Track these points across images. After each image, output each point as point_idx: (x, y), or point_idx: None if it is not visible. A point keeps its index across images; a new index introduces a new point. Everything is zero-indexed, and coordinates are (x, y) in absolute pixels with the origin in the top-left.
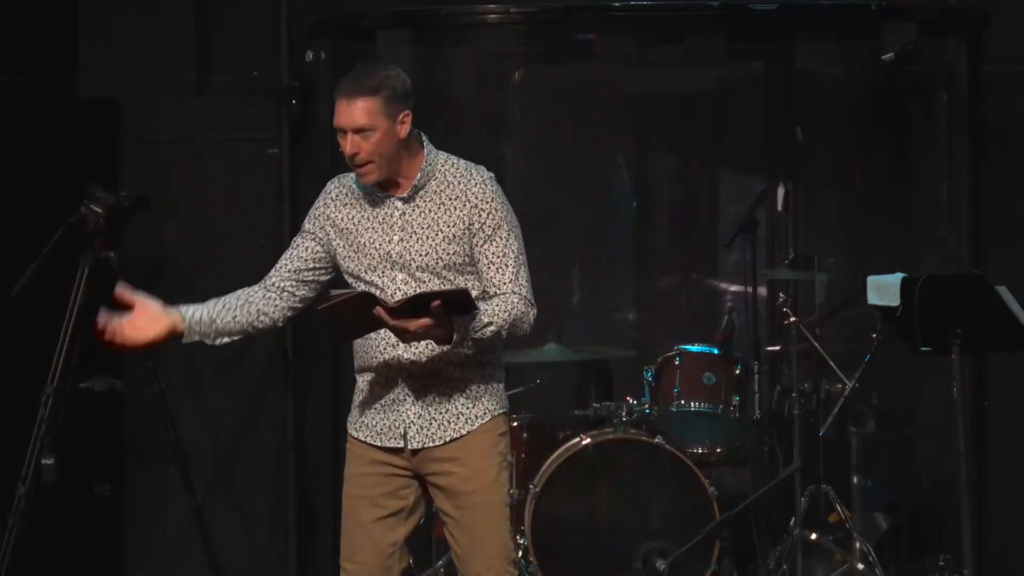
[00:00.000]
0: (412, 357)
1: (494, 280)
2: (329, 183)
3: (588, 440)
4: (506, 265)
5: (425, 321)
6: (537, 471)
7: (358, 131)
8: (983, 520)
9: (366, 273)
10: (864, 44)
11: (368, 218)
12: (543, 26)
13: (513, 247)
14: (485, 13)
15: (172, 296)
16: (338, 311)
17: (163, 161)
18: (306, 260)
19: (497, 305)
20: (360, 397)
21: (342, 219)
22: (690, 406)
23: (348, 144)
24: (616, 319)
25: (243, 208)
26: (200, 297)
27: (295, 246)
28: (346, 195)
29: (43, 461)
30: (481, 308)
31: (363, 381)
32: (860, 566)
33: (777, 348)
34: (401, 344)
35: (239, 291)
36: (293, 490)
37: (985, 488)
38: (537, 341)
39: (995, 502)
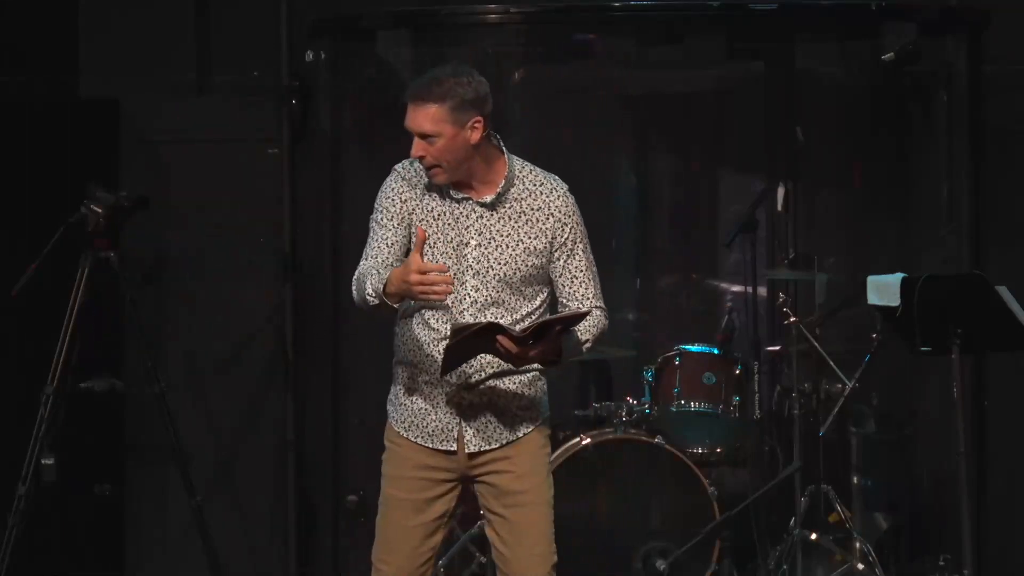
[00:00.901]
0: (472, 363)
1: (577, 295)
2: (399, 168)
3: (588, 440)
4: (588, 279)
5: (542, 348)
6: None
7: (423, 136)
8: (983, 520)
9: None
10: (864, 44)
11: (444, 215)
12: (543, 26)
13: (590, 259)
14: (485, 13)
15: (172, 296)
16: (459, 345)
17: (163, 161)
18: (391, 250)
19: (590, 323)
20: (409, 396)
21: (421, 208)
22: (690, 406)
23: (416, 147)
24: (616, 319)
25: (243, 208)
26: (200, 297)
27: (385, 227)
28: (422, 185)
29: (43, 461)
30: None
31: (412, 380)
32: (860, 566)
33: (777, 348)
34: None
35: (359, 273)
36: (293, 490)
37: (985, 488)
38: None
39: (995, 502)
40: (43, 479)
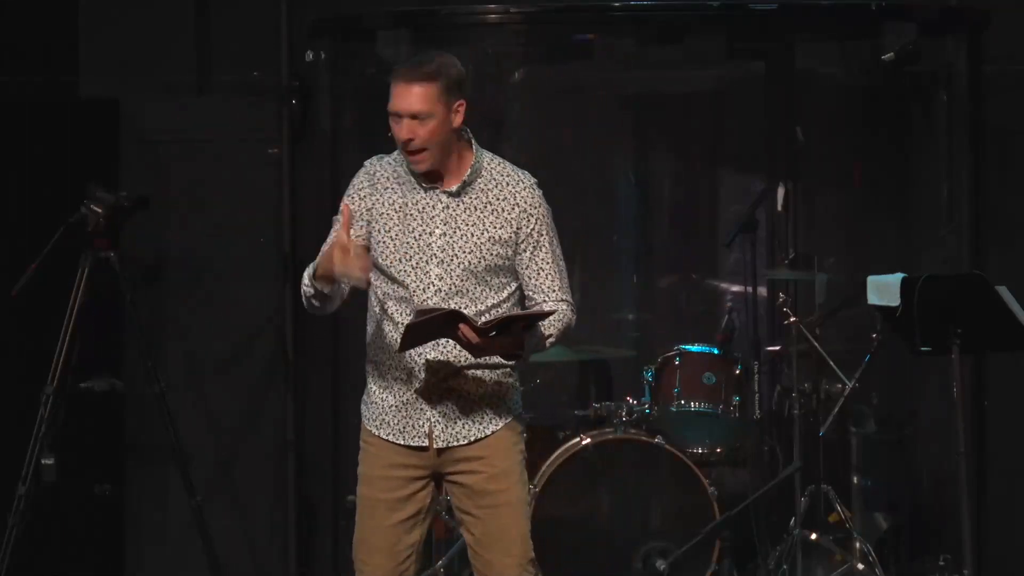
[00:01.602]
0: (439, 356)
1: (542, 287)
2: (368, 163)
3: (588, 440)
4: (554, 273)
5: (503, 342)
6: (537, 471)
7: (414, 116)
8: (983, 520)
9: (398, 263)
10: (864, 44)
11: (408, 206)
12: (543, 26)
13: (557, 253)
14: (485, 13)
15: (172, 296)
16: (420, 326)
17: (163, 161)
18: (360, 238)
19: (555, 318)
20: (379, 394)
21: (382, 203)
22: (690, 406)
23: (404, 129)
24: (616, 319)
25: (243, 208)
26: (200, 297)
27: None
28: (387, 179)
29: (43, 461)
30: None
31: (382, 379)
32: (860, 566)
33: (777, 348)
34: (428, 344)
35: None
36: (293, 490)
37: (985, 488)
38: None
39: (995, 502)
40: (43, 479)
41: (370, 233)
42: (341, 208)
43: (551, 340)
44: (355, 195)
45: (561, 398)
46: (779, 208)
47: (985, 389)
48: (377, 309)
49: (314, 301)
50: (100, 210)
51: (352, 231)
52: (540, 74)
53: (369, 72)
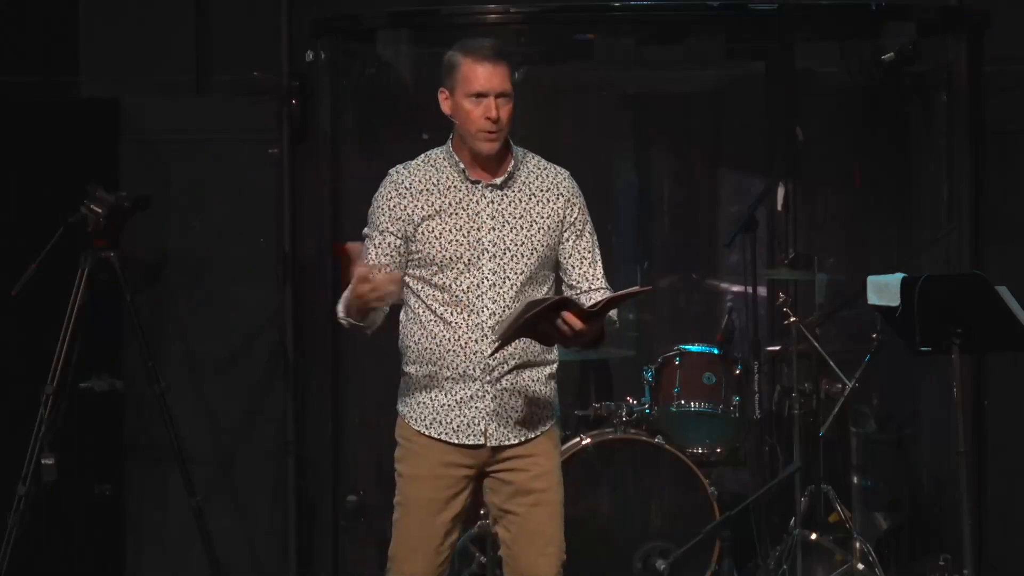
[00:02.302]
0: (495, 356)
1: (587, 275)
2: (393, 172)
3: (588, 440)
4: (596, 260)
5: (592, 328)
6: None
7: (500, 95)
8: (983, 520)
9: (449, 261)
10: (864, 44)
11: (451, 205)
12: (543, 26)
13: (594, 242)
14: (485, 13)
15: (172, 296)
16: (527, 322)
17: (163, 161)
18: (390, 255)
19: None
20: (429, 394)
21: (420, 208)
22: (690, 406)
23: (493, 107)
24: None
25: (243, 208)
26: (200, 297)
27: (376, 244)
28: (417, 184)
29: (43, 461)
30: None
31: (431, 379)
32: (860, 566)
33: (777, 348)
34: (482, 342)
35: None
36: (293, 490)
37: (985, 488)
38: None
39: (995, 502)
40: (43, 479)
41: (409, 241)
42: (346, 248)
43: (615, 327)
44: (384, 207)
45: (561, 398)
46: (779, 208)
47: (985, 389)
48: (420, 311)
49: (355, 330)
50: (100, 210)
51: (385, 248)
52: (540, 74)
53: (369, 72)
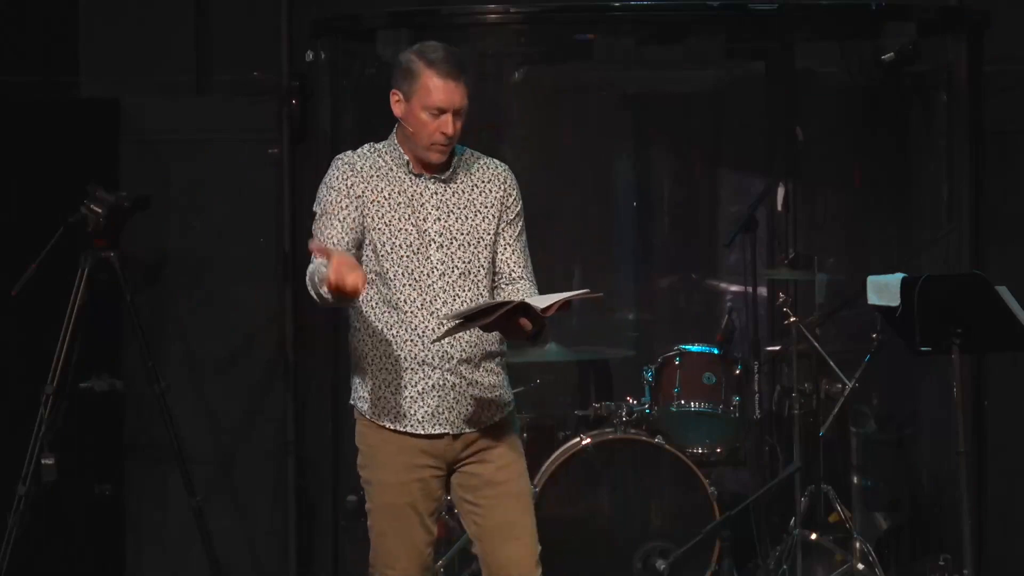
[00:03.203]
0: (451, 344)
1: (510, 262)
2: (342, 157)
3: (588, 440)
4: (519, 251)
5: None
6: (537, 471)
7: (457, 112)
8: (983, 520)
9: (399, 249)
10: (864, 44)
11: (397, 194)
12: (543, 26)
13: (524, 236)
14: (485, 13)
15: (172, 296)
16: (476, 317)
17: (163, 161)
18: (354, 229)
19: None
20: (388, 389)
21: (371, 192)
22: (690, 406)
23: (450, 125)
24: (616, 319)
25: (243, 208)
26: (200, 297)
27: (339, 216)
28: (368, 168)
29: (43, 461)
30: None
31: (390, 372)
32: (860, 566)
33: (777, 348)
34: (440, 330)
35: (313, 270)
36: (293, 490)
37: (985, 488)
38: None
39: (995, 502)
40: (43, 479)
41: (363, 221)
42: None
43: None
44: (340, 187)
45: (561, 398)
46: (779, 208)
47: (985, 389)
48: (374, 303)
49: (328, 304)
50: (100, 210)
51: (344, 224)
52: (540, 74)
53: (369, 72)
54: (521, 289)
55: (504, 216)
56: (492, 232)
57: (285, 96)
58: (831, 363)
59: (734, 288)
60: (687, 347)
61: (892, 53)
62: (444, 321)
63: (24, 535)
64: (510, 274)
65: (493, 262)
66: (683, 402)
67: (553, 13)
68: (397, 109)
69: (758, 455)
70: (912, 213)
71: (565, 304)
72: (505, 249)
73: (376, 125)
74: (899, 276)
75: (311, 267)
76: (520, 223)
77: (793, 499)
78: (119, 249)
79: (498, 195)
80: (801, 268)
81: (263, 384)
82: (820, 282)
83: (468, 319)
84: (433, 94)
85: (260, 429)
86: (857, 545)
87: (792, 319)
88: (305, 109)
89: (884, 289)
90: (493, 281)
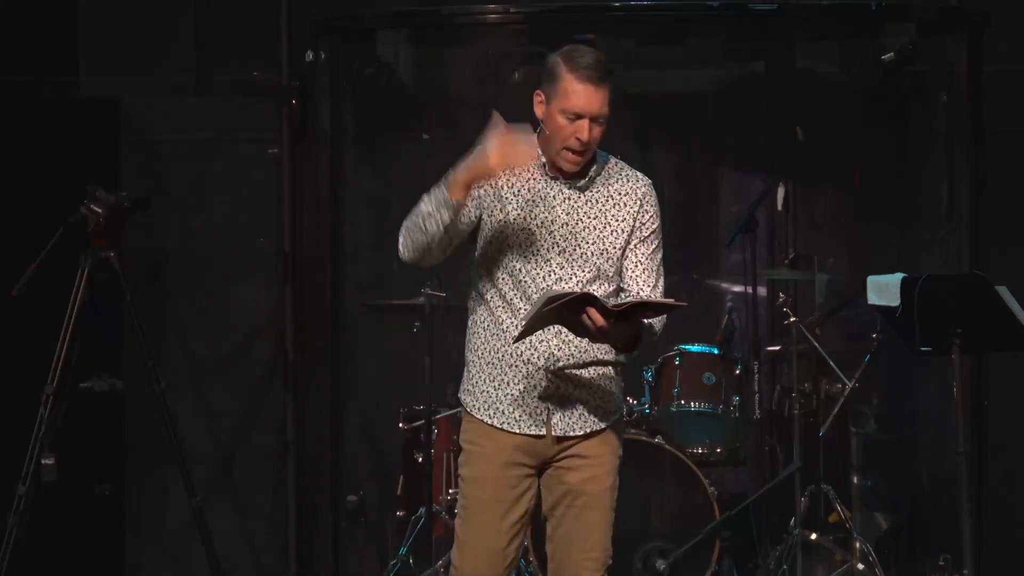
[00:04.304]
0: (559, 346)
1: (638, 280)
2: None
3: None
4: (651, 270)
5: (623, 329)
6: None
7: (595, 118)
8: (983, 520)
9: (516, 250)
10: (864, 44)
11: (530, 192)
12: (543, 26)
13: (658, 256)
14: (485, 13)
15: (172, 296)
16: (549, 313)
17: (163, 161)
18: (472, 210)
19: (659, 318)
20: (490, 384)
21: (502, 185)
22: (690, 406)
23: (586, 130)
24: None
25: (243, 208)
26: (200, 297)
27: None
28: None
29: (43, 461)
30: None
31: (496, 368)
32: (860, 566)
33: (777, 348)
34: (547, 333)
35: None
36: (293, 490)
37: (985, 488)
38: None
39: (995, 502)
40: (43, 479)
41: (481, 217)
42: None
43: (655, 338)
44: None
45: None
46: (779, 208)
47: (985, 389)
48: (488, 297)
49: (431, 229)
50: (100, 210)
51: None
52: (540, 74)
53: (369, 72)
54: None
55: (637, 232)
56: (620, 246)
57: (285, 96)
58: (831, 363)
59: (734, 288)
60: (687, 347)
61: (892, 53)
62: (522, 320)
63: (24, 535)
64: (637, 293)
65: (621, 277)
66: (683, 402)
67: (553, 13)
68: (539, 110)
69: (758, 455)
70: (912, 213)
71: (644, 306)
72: (636, 267)
73: (376, 125)
74: (899, 276)
75: (415, 211)
76: (655, 241)
77: (793, 499)
78: (119, 249)
79: (633, 210)
80: (801, 268)
81: (263, 384)
82: (820, 282)
83: (536, 317)
84: (571, 99)
85: (260, 429)
86: (857, 545)
87: (792, 319)
88: (305, 109)
89: (884, 289)
90: (619, 297)
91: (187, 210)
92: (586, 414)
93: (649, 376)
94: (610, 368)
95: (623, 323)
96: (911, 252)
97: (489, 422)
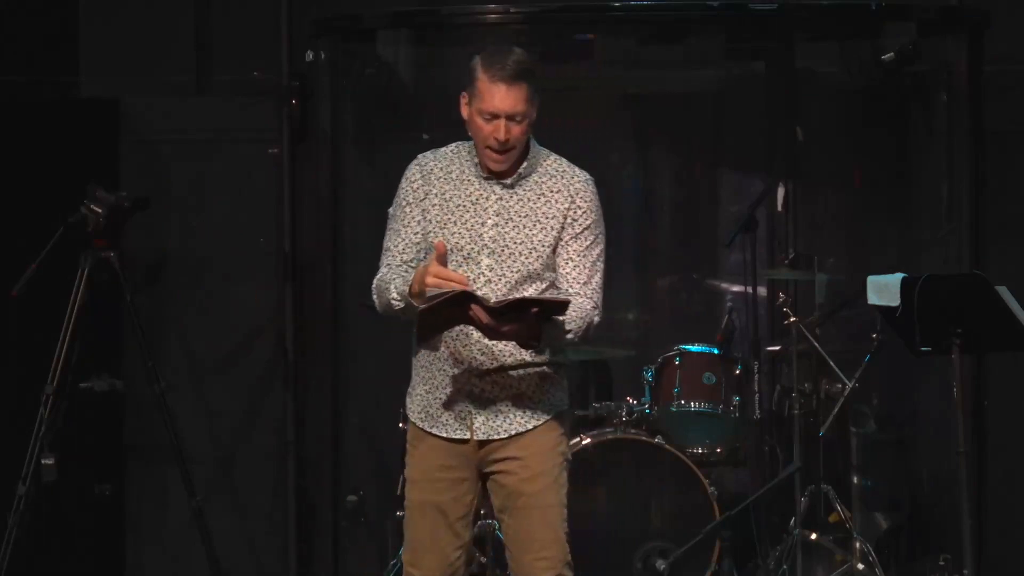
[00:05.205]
0: (484, 350)
1: (568, 277)
2: (420, 157)
3: (588, 440)
4: (583, 266)
5: (516, 326)
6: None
7: (511, 117)
8: (983, 520)
9: (450, 255)
10: (864, 44)
11: (460, 198)
12: (543, 26)
13: (594, 252)
14: (485, 13)
15: (172, 296)
16: (433, 311)
17: (163, 161)
18: (418, 232)
19: (574, 311)
20: (423, 388)
21: (434, 195)
22: (690, 406)
23: (501, 130)
24: (616, 319)
25: (243, 208)
26: (200, 297)
27: (405, 224)
28: (439, 172)
29: (43, 461)
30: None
31: (427, 372)
32: (860, 566)
33: (777, 348)
34: (474, 338)
35: (380, 279)
36: (293, 490)
37: (985, 488)
38: None
39: (995, 502)
40: (43, 479)
41: (425, 227)
42: (435, 244)
43: (571, 335)
44: (409, 189)
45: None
46: (779, 208)
47: (985, 389)
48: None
49: (401, 314)
50: (100, 210)
51: (411, 231)
52: (540, 74)
53: (369, 72)
54: (574, 305)
55: (569, 228)
56: (549, 244)
57: (285, 96)
58: (831, 363)
59: (734, 288)
60: (687, 347)
61: (892, 53)
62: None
63: (24, 535)
64: (567, 290)
65: (556, 273)
66: (683, 402)
67: (553, 13)
68: (463, 111)
69: (758, 455)
70: (912, 213)
71: (535, 305)
72: (567, 263)
73: (376, 125)
74: (899, 276)
75: (379, 277)
76: (588, 238)
77: (793, 499)
78: (119, 249)
79: (563, 206)
80: (801, 268)
81: (263, 384)
82: (820, 282)
83: (434, 317)
84: (486, 99)
85: (260, 429)
86: (857, 545)
87: (792, 319)
88: (305, 109)
89: (884, 289)
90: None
91: (187, 210)
92: (512, 416)
93: (649, 376)
94: (543, 368)
95: (518, 319)
96: (911, 252)
97: (420, 426)
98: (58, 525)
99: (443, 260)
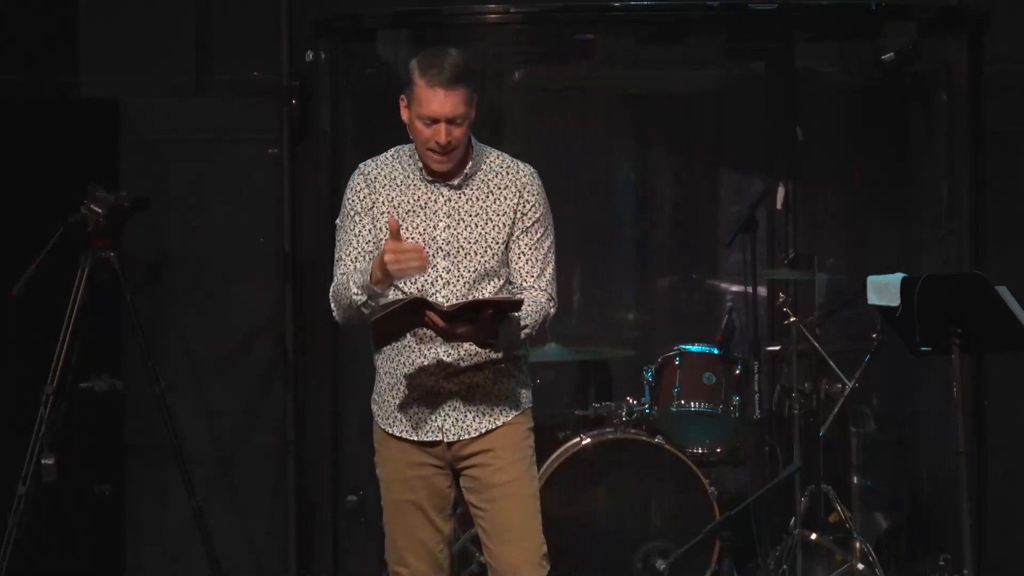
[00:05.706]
0: (448, 352)
1: (522, 271)
2: (361, 166)
3: (588, 440)
4: (536, 259)
5: (472, 328)
6: (537, 471)
7: (451, 121)
8: (983, 520)
9: None
10: (864, 44)
11: (408, 202)
12: (543, 26)
13: (545, 244)
14: (485, 13)
15: (172, 296)
16: (389, 318)
17: (163, 161)
18: (370, 241)
19: (529, 306)
20: (390, 392)
21: (382, 202)
22: (690, 406)
23: (442, 134)
24: (616, 319)
25: (243, 208)
26: (200, 297)
27: (356, 234)
28: (383, 179)
29: (43, 461)
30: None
31: (392, 376)
32: (860, 566)
33: (777, 348)
34: (436, 339)
35: (336, 284)
36: (293, 490)
37: (985, 488)
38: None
39: (995, 502)
40: (43, 479)
41: (376, 235)
42: (388, 223)
43: (527, 331)
44: (356, 198)
45: (561, 398)
46: (779, 208)
47: (985, 389)
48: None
49: (360, 314)
50: (100, 210)
51: (361, 239)
52: (540, 74)
53: (369, 72)
54: (528, 300)
55: (519, 223)
56: (502, 240)
57: (285, 96)
58: (831, 363)
59: (734, 288)
60: (687, 347)
61: (892, 53)
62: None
63: (24, 535)
64: (521, 284)
65: (509, 269)
66: (683, 402)
67: (553, 13)
68: (404, 115)
69: (758, 455)
70: (912, 213)
71: (488, 305)
72: (519, 258)
73: (376, 125)
74: (899, 276)
75: (336, 283)
76: (539, 231)
77: (793, 499)
78: (119, 249)
79: (512, 202)
80: (801, 268)
81: (263, 384)
82: (820, 282)
83: (390, 323)
84: (424, 104)
85: (260, 429)
86: (857, 545)
87: (792, 319)
88: (305, 109)
89: (884, 289)
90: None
91: (187, 210)
92: (480, 415)
93: (649, 376)
94: (507, 364)
95: (474, 322)
96: (911, 252)
97: (389, 431)
98: (58, 525)
99: (397, 236)
